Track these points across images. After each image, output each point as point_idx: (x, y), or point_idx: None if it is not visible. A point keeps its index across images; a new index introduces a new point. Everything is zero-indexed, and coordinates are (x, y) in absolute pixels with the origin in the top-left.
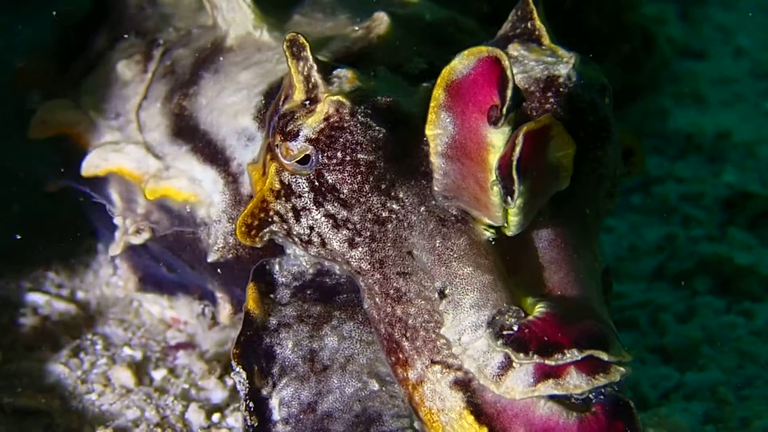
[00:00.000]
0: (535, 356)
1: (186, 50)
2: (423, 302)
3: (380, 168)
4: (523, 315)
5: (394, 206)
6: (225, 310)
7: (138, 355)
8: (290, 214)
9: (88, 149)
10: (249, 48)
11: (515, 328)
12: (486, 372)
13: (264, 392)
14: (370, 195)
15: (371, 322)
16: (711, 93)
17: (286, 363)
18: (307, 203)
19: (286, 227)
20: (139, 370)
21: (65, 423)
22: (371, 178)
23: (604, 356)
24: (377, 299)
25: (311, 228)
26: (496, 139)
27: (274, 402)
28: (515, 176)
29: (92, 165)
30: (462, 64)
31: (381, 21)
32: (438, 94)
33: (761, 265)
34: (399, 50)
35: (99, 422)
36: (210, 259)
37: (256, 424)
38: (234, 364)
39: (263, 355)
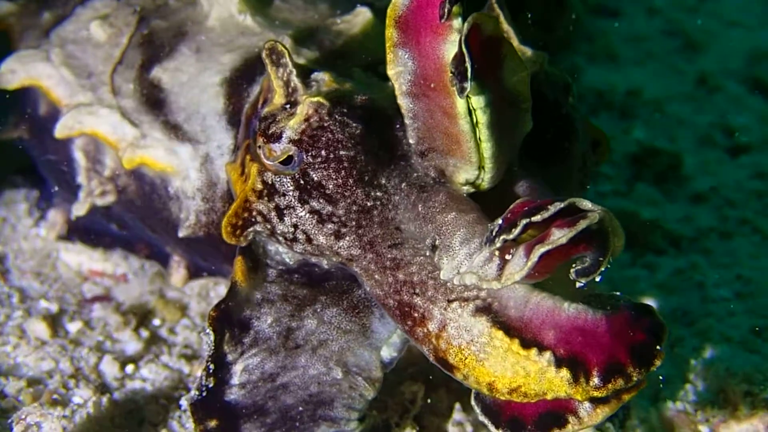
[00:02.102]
0: (523, 220)
1: (164, 22)
2: (422, 259)
3: (361, 161)
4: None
5: (378, 194)
6: (179, 273)
7: (53, 307)
8: (273, 214)
9: (60, 106)
10: (232, 30)
11: (500, 222)
12: (488, 277)
13: (230, 357)
14: (354, 188)
15: (376, 301)
16: (624, 51)
17: (260, 335)
18: (291, 201)
19: (269, 227)
20: (55, 322)
21: None
22: (354, 172)
23: (587, 204)
24: (376, 276)
25: (296, 226)
26: (451, 53)
27: (237, 368)
28: (464, 50)
29: (67, 127)
30: None
31: (363, 16)
32: (390, 33)
33: (665, 220)
34: (378, 47)
35: (13, 373)
36: (181, 234)
37: (211, 385)
38: (206, 324)
39: (238, 324)
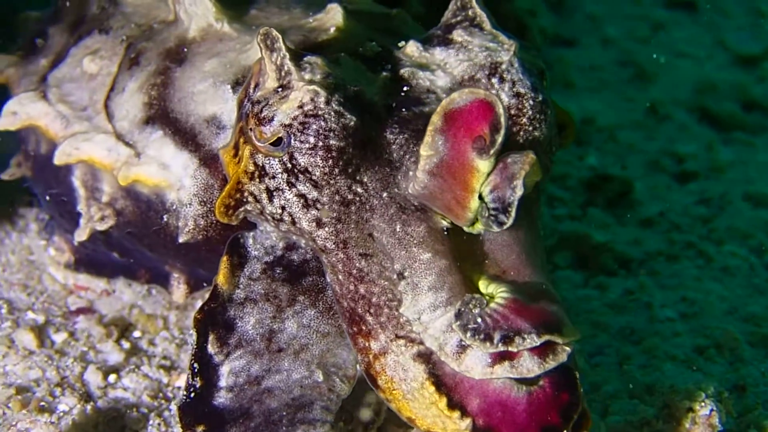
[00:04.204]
0: (500, 345)
1: (149, 43)
2: (385, 282)
3: (349, 153)
4: (485, 303)
5: (359, 189)
6: (179, 290)
7: (40, 319)
8: (264, 195)
9: (57, 140)
10: (211, 39)
11: (479, 320)
12: (446, 350)
13: (216, 359)
14: (338, 177)
15: (333, 294)
16: (579, 79)
17: (245, 337)
18: (280, 184)
19: (259, 207)
20: (41, 333)
21: None
22: (341, 162)
23: (559, 340)
24: (340, 276)
25: (283, 208)
26: (483, 165)
27: (224, 369)
28: (513, 214)
29: (65, 154)
30: (461, 97)
31: (336, 11)
32: (435, 119)
33: (616, 243)
34: (353, 37)
35: (2, 381)
36: (181, 240)
37: (198, 385)
38: (192, 326)
39: (223, 325)
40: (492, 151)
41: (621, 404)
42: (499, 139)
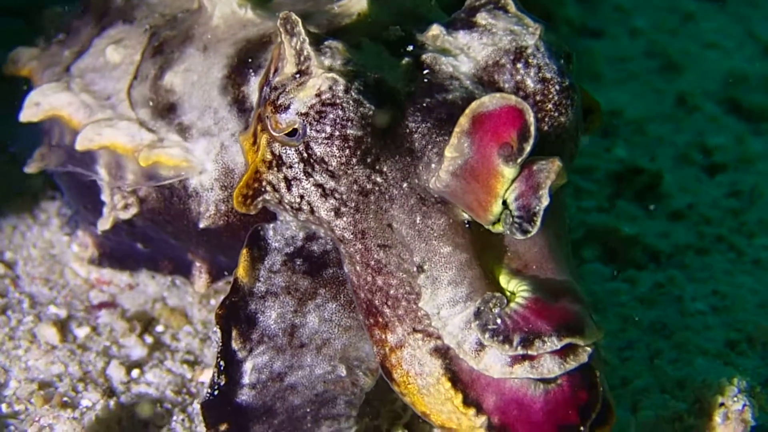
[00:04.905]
0: (519, 348)
1: (173, 32)
2: (403, 275)
3: (367, 143)
4: (505, 302)
5: (378, 179)
6: (201, 279)
7: (62, 313)
8: (282, 184)
9: (80, 128)
10: (234, 25)
11: (498, 321)
12: (465, 347)
13: (240, 355)
14: (356, 167)
15: (351, 285)
16: (606, 71)
17: (267, 332)
18: (297, 173)
19: (278, 196)
20: (64, 327)
21: None
22: (358, 152)
23: (581, 342)
24: (357, 267)
25: (302, 197)
26: (508, 172)
27: (247, 366)
28: (538, 223)
29: (86, 139)
30: (491, 101)
31: None
32: (463, 121)
33: (645, 236)
34: (377, 22)
35: (25, 376)
36: (202, 225)
37: (222, 383)
38: (214, 322)
39: (245, 320)
40: (519, 160)
41: (652, 399)
42: (528, 148)
